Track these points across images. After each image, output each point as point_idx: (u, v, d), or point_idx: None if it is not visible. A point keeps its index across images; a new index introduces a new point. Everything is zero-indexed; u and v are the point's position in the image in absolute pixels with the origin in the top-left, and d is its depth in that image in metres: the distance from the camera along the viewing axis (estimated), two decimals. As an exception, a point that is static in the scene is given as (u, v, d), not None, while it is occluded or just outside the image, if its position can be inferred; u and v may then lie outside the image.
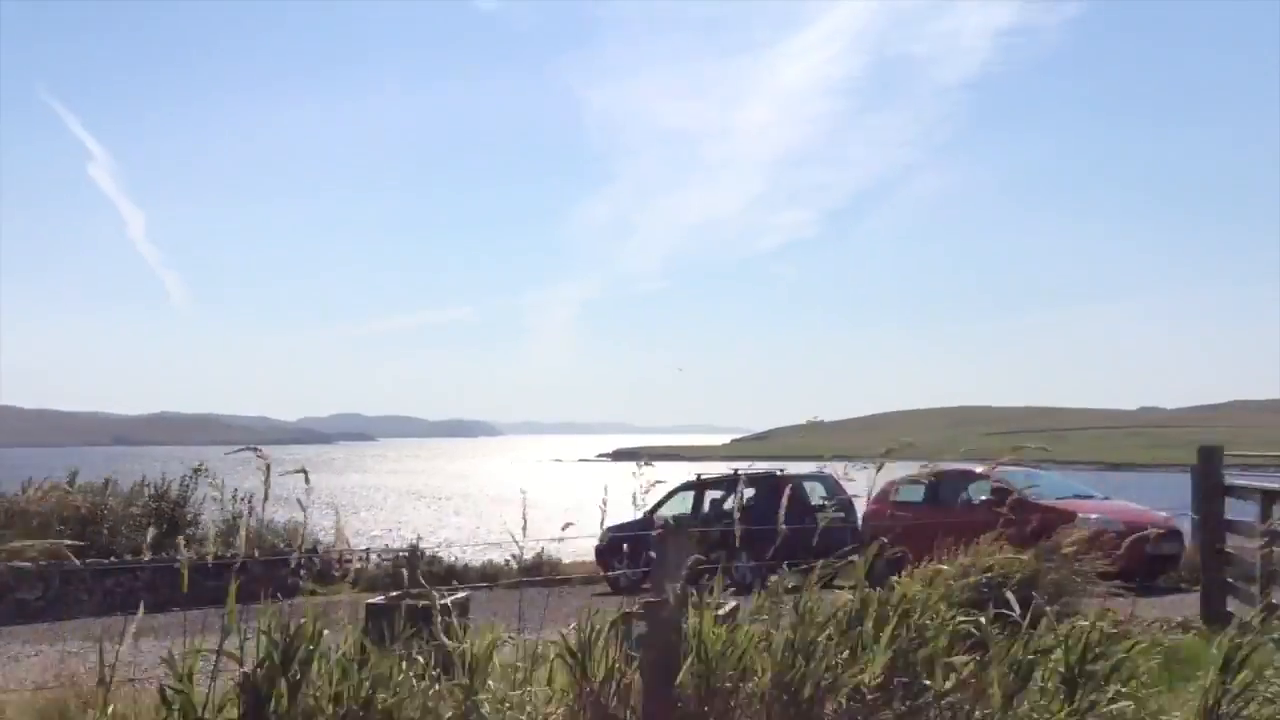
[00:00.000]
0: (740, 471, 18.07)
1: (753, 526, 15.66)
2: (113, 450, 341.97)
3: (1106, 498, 16.16)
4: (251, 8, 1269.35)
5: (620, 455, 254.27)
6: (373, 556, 21.30)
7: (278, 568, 16.39)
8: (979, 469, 15.17)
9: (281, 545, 17.32)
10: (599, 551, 19.50)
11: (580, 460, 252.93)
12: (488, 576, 17.59)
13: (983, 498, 14.69)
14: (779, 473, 17.90)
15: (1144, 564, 12.61)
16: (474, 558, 20.92)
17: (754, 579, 14.75)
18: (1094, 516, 13.24)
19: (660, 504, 18.08)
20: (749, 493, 16.98)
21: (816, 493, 18.34)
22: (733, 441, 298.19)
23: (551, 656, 4.73)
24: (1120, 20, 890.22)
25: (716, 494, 18.63)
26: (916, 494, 16.03)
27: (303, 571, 17.70)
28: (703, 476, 19.13)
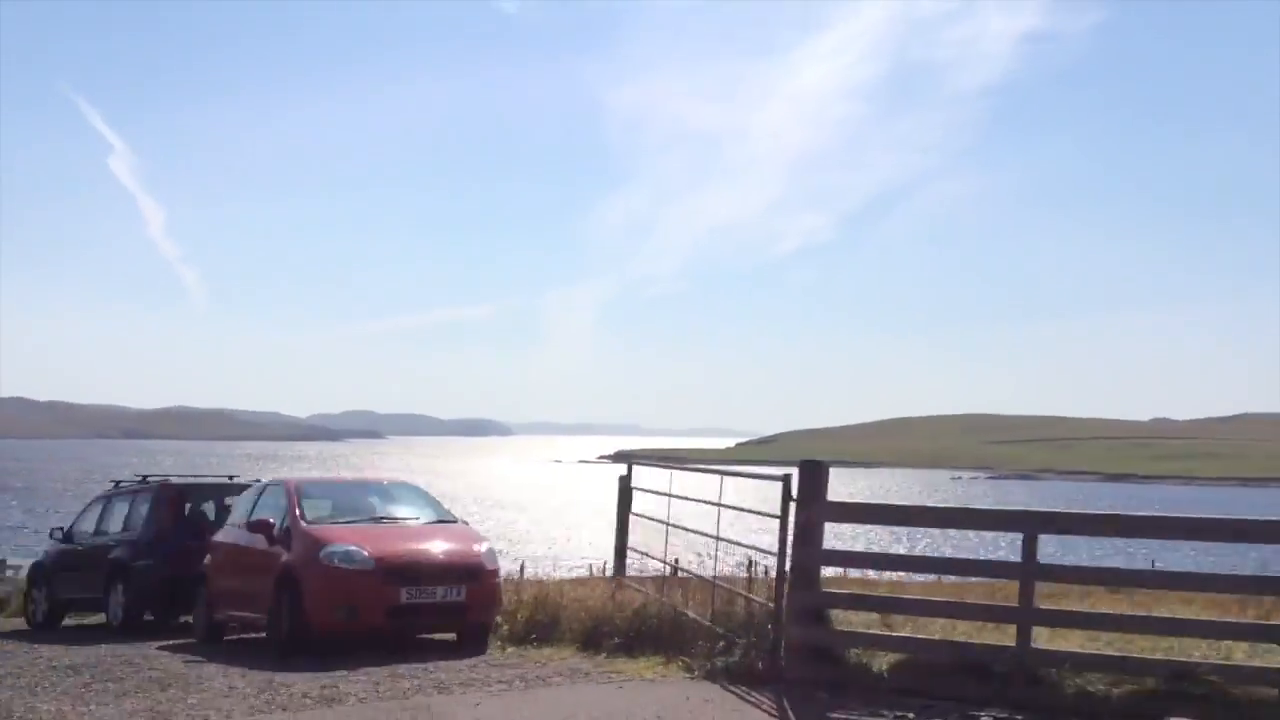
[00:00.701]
0: (151, 479, 14.12)
1: (131, 553, 12.79)
2: (120, 444, 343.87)
3: (445, 520, 10.56)
4: (273, 6, 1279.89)
5: (622, 457, 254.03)
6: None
7: None
8: (310, 479, 11.73)
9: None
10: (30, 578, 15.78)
11: (580, 462, 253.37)
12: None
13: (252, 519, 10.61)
14: (172, 480, 13.90)
15: (396, 616, 9.15)
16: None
17: (123, 620, 12.52)
18: (345, 549, 9.19)
19: (79, 517, 15.07)
20: (142, 509, 13.18)
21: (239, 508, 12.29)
22: (737, 445, 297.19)
23: None
24: (1144, 27, 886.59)
25: (123, 507, 13.78)
26: (243, 512, 11.24)
27: None
28: (120, 484, 14.67)
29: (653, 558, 10.75)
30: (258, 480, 13.01)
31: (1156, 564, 19.00)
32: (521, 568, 15.28)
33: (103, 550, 13.33)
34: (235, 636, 11.05)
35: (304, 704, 6.83)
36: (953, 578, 15.12)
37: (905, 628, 7.14)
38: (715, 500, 8.78)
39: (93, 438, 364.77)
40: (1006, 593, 10.55)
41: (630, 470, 11.11)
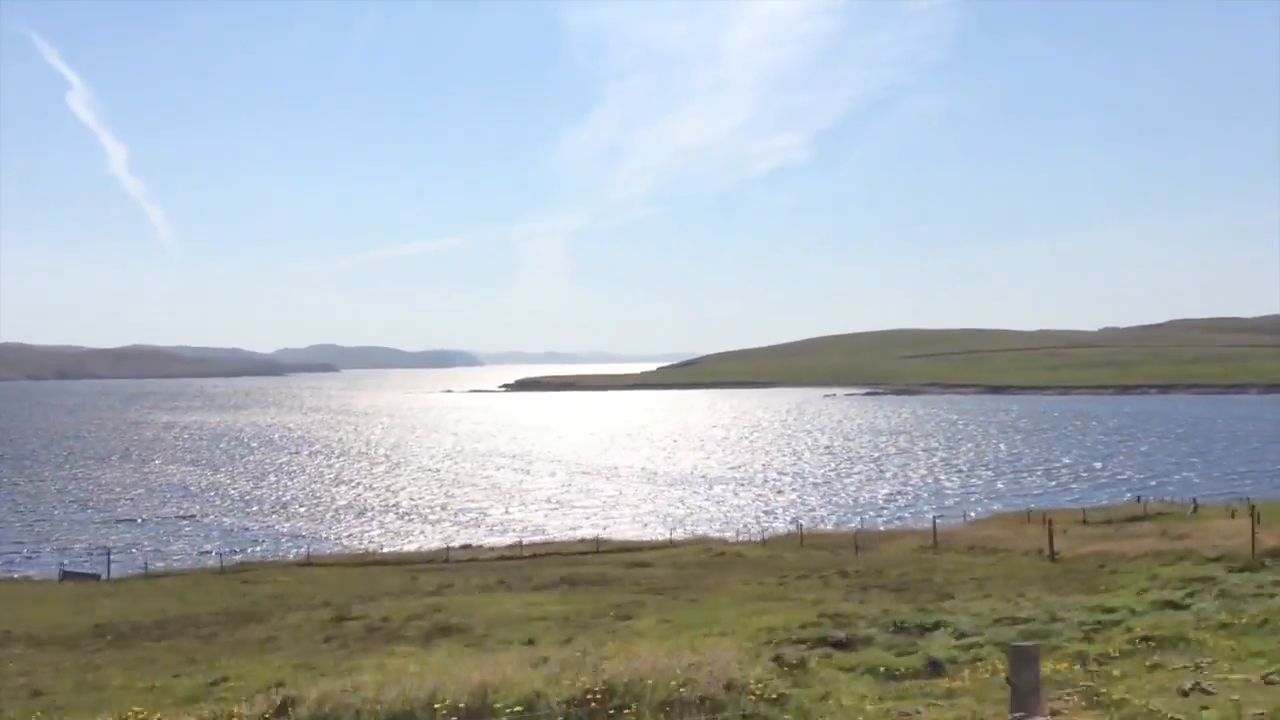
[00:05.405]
0: None
1: None
2: (43, 386, 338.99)
3: None
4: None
5: (523, 385, 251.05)
6: None
7: None
8: None
9: None
10: None
11: (473, 391, 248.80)
12: None
13: None
14: None
15: None
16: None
17: None
18: None
19: None
20: None
21: None
22: (659, 369, 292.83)
23: None
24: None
25: None
26: None
27: None
28: None
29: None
30: None
31: None
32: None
33: None
34: None
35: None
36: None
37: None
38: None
39: (22, 379, 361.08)
40: None
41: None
